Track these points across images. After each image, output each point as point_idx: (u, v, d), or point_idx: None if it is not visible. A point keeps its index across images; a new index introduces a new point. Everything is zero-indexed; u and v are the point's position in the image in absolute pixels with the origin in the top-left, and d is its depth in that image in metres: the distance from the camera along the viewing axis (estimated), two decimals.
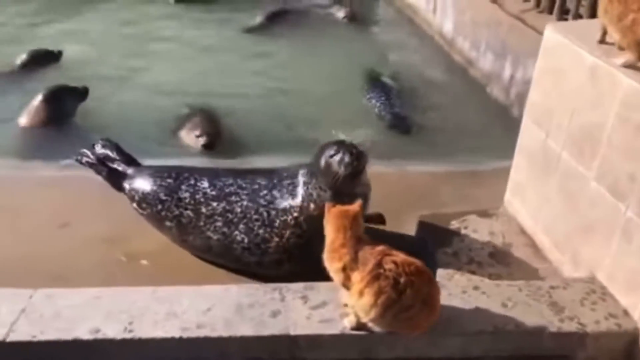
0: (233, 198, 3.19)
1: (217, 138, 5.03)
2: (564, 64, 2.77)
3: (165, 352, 2.39)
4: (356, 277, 2.30)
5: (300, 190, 3.05)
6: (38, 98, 5.12)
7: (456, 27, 6.82)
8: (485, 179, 4.27)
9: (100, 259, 3.38)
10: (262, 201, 3.11)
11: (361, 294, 2.28)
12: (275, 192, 3.09)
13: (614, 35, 2.53)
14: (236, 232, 3.16)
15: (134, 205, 3.47)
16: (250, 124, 5.36)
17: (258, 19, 8.44)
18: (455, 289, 2.64)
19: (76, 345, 2.34)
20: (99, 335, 2.35)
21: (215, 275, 3.24)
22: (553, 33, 2.83)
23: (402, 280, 2.23)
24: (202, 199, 3.25)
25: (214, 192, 3.25)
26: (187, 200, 3.28)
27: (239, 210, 3.16)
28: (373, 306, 2.27)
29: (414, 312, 2.26)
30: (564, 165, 2.84)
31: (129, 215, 3.62)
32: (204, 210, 3.23)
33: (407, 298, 2.23)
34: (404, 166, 4.53)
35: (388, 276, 2.25)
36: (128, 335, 2.35)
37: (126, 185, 3.51)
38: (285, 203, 3.06)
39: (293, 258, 3.09)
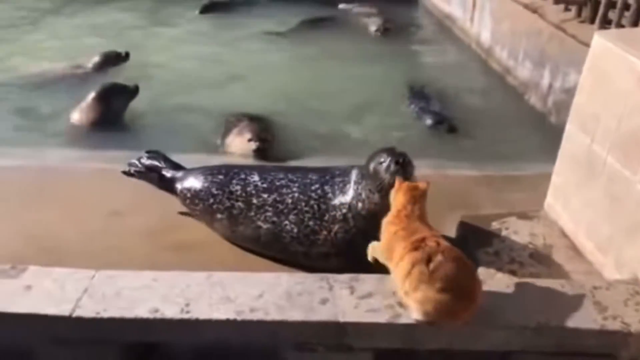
0: (284, 190, 3.33)
1: (270, 144, 4.94)
2: (612, 70, 2.83)
3: (219, 334, 2.51)
4: (401, 245, 2.48)
5: (350, 189, 3.16)
6: (90, 96, 5.36)
7: (494, 36, 6.88)
8: (522, 184, 4.32)
9: (147, 247, 3.54)
10: (313, 195, 3.23)
11: (401, 258, 2.45)
12: (326, 187, 3.21)
13: None
14: (286, 222, 3.29)
15: (187, 202, 3.65)
16: (295, 129, 5.48)
17: (294, 22, 8.65)
18: (498, 285, 2.71)
19: (137, 322, 2.47)
20: (158, 315, 2.49)
21: (260, 267, 3.36)
22: (602, 40, 2.89)
23: (436, 258, 2.37)
24: (253, 191, 3.40)
25: (264, 185, 3.40)
26: (238, 193, 3.44)
27: (289, 201, 3.30)
28: (407, 276, 2.40)
29: (448, 298, 2.33)
30: (609, 170, 2.89)
31: (176, 208, 3.80)
32: (254, 201, 3.38)
33: (438, 278, 2.33)
34: (443, 168, 4.61)
35: (425, 251, 2.40)
36: (185, 316, 2.48)
37: (178, 186, 3.72)
38: (335, 199, 3.18)
39: (340, 253, 3.20)
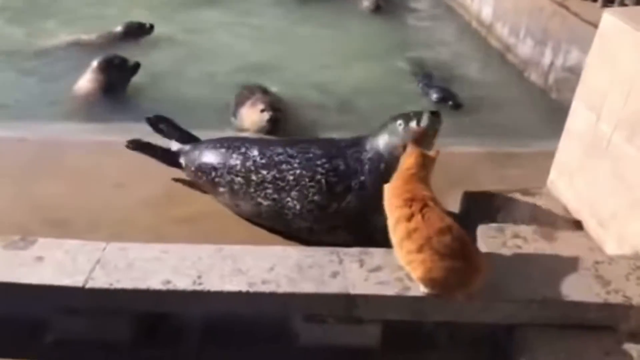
0: (283, 167, 3.33)
1: (283, 114, 4.93)
2: (621, 48, 2.84)
3: (231, 305, 2.55)
4: (394, 202, 2.57)
5: (367, 156, 3.21)
6: (89, 67, 5.31)
7: (495, 12, 6.86)
8: (523, 160, 4.36)
9: (152, 219, 3.55)
10: (319, 169, 3.24)
11: (392, 214, 2.56)
12: (337, 160, 3.22)
13: None
14: (288, 199, 3.30)
15: (192, 175, 3.69)
16: (300, 105, 5.46)
17: None
18: (503, 260, 2.76)
19: (149, 294, 2.50)
20: (170, 286, 2.52)
21: (267, 240, 3.39)
22: (612, 18, 2.90)
23: (416, 218, 2.45)
24: (252, 167, 3.42)
25: (263, 161, 3.40)
26: (237, 168, 3.46)
27: (291, 178, 3.30)
28: (393, 232, 2.51)
29: (450, 263, 2.37)
30: (615, 147, 2.93)
31: (176, 175, 3.82)
32: (254, 177, 3.40)
33: (441, 248, 2.37)
34: (444, 145, 4.60)
35: (410, 210, 2.48)
36: (198, 287, 2.51)
37: (182, 161, 3.76)
38: (350, 169, 3.21)
39: (349, 225, 3.24)
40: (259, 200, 3.39)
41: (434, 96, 5.58)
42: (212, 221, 3.57)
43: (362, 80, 6.03)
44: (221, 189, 3.55)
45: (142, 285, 2.51)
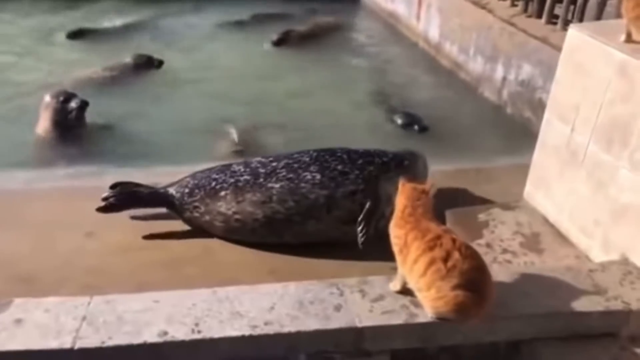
0: (295, 155, 3.58)
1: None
2: (590, 61, 2.95)
3: (235, 351, 2.42)
4: (414, 245, 2.45)
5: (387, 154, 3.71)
6: (45, 101, 5.07)
7: (442, 32, 7.05)
8: (492, 175, 4.46)
9: (129, 266, 3.37)
10: (339, 150, 3.60)
11: (415, 261, 2.43)
12: (352, 154, 3.60)
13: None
14: (305, 173, 3.46)
15: (185, 198, 3.63)
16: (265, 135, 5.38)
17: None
18: (499, 276, 2.76)
19: (146, 348, 2.34)
20: (168, 338, 2.36)
21: (255, 277, 3.26)
22: (578, 33, 3.02)
23: (454, 256, 2.36)
24: (258, 165, 3.60)
25: (270, 158, 3.63)
26: (242, 170, 3.60)
27: (307, 159, 3.53)
28: (422, 275, 2.40)
29: (462, 295, 2.36)
30: (592, 157, 3.02)
31: (151, 224, 3.66)
32: (262, 170, 3.55)
33: (454, 276, 2.34)
34: None
35: (442, 249, 2.39)
36: (198, 336, 2.37)
37: (172, 191, 3.71)
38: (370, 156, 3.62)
39: (367, 189, 3.48)
40: (270, 185, 3.48)
41: (399, 121, 5.63)
42: (191, 264, 3.43)
43: (319, 110, 5.98)
44: (222, 193, 3.54)
45: (137, 340, 2.34)
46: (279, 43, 7.78)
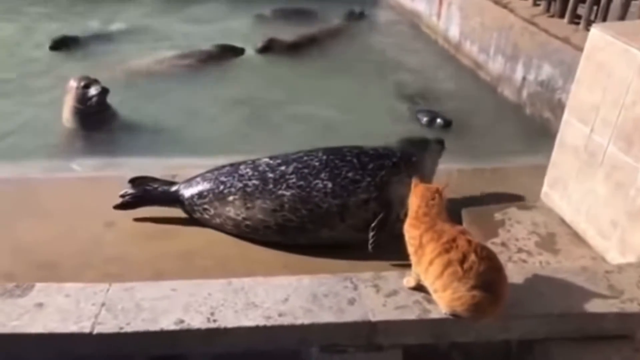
0: (305, 158, 3.48)
1: None
2: (612, 62, 2.93)
3: (249, 341, 2.46)
4: (430, 246, 2.45)
5: (396, 154, 3.60)
6: (68, 85, 5.16)
7: (463, 31, 7.02)
8: (509, 175, 4.44)
9: (147, 255, 3.42)
10: (347, 152, 3.48)
11: (431, 263, 2.44)
12: (365, 149, 3.55)
13: None
14: (317, 181, 3.39)
15: (194, 199, 3.64)
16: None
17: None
18: (514, 275, 2.76)
19: (163, 335, 2.38)
20: (184, 326, 2.41)
21: (271, 270, 3.30)
22: (600, 32, 2.99)
23: (470, 258, 2.36)
24: (266, 168, 3.51)
25: (279, 160, 3.53)
26: (249, 174, 3.53)
27: (317, 163, 3.44)
28: (439, 277, 2.40)
29: (477, 294, 2.36)
30: (611, 158, 3.00)
31: (170, 214, 3.71)
32: (270, 175, 3.47)
33: (471, 277, 2.35)
34: None
35: (459, 251, 2.39)
36: (213, 325, 2.41)
37: (182, 191, 3.71)
38: (379, 152, 3.56)
39: (380, 196, 3.43)
40: (281, 192, 3.42)
41: (424, 120, 5.65)
42: (206, 256, 3.47)
43: (342, 107, 6.02)
44: (231, 198, 3.52)
45: (153, 327, 2.39)
46: (263, 50, 7.62)
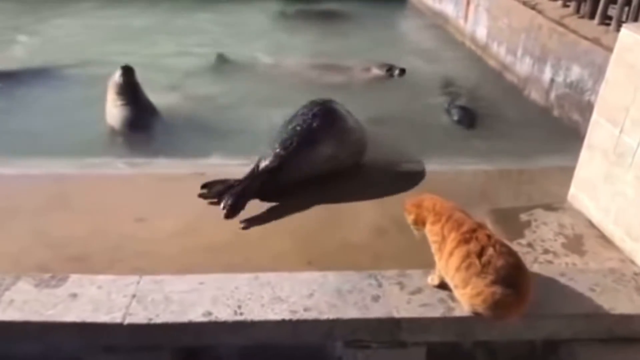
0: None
1: None
2: None
3: (274, 334, 2.51)
4: (451, 236, 2.48)
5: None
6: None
7: (490, 33, 6.98)
8: (535, 177, 4.40)
9: (176, 250, 3.48)
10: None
11: (451, 254, 2.46)
12: None
13: None
14: None
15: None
16: None
17: None
18: (541, 275, 2.76)
19: (191, 327, 2.46)
20: (212, 318, 2.47)
21: (292, 265, 3.34)
22: (631, 33, 2.96)
23: (489, 251, 2.37)
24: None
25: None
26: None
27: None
28: (457, 269, 2.42)
29: (499, 291, 2.36)
30: None
31: (200, 211, 3.78)
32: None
33: (489, 272, 2.35)
34: (457, 164, 4.67)
35: (478, 243, 2.41)
36: (240, 318, 2.47)
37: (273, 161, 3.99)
38: None
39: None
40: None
41: (455, 117, 5.69)
42: (232, 251, 3.53)
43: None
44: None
45: (183, 318, 2.46)
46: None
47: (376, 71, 6.81)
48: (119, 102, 5.17)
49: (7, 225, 3.61)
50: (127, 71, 5.24)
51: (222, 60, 7.09)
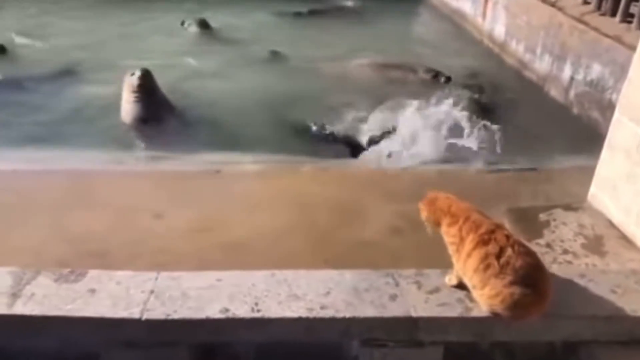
0: None
1: None
2: None
3: (290, 332, 2.50)
4: (469, 237, 2.45)
5: None
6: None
7: (509, 30, 6.92)
8: (554, 176, 4.37)
9: (193, 247, 3.51)
10: None
11: (469, 255, 2.42)
12: None
13: None
14: None
15: None
16: None
17: None
18: (560, 276, 2.71)
19: (208, 323, 2.46)
20: (229, 315, 2.47)
21: (309, 264, 3.35)
22: None
23: (507, 252, 2.34)
24: None
25: None
26: None
27: None
28: (476, 271, 2.39)
29: (518, 292, 2.33)
30: None
31: (216, 207, 3.80)
32: None
33: (508, 272, 2.32)
34: (475, 163, 4.64)
35: (496, 244, 2.37)
36: (257, 315, 2.47)
37: None
38: None
39: None
40: None
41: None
42: (249, 249, 3.55)
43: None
44: None
45: (200, 314, 2.46)
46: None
47: (423, 75, 6.82)
48: (133, 100, 5.23)
49: (28, 220, 3.67)
50: (145, 75, 5.35)
51: (275, 56, 7.13)
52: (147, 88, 5.35)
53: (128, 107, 5.29)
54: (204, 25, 8.41)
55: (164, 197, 3.89)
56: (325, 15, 9.14)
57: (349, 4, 9.67)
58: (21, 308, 2.46)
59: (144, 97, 5.27)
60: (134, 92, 5.27)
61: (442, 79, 6.67)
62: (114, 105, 5.52)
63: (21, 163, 4.35)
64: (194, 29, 8.39)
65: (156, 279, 2.68)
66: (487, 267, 2.37)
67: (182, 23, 8.52)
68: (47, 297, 2.53)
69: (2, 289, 2.55)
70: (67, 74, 6.84)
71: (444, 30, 8.62)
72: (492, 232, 2.44)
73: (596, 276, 2.70)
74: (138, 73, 5.34)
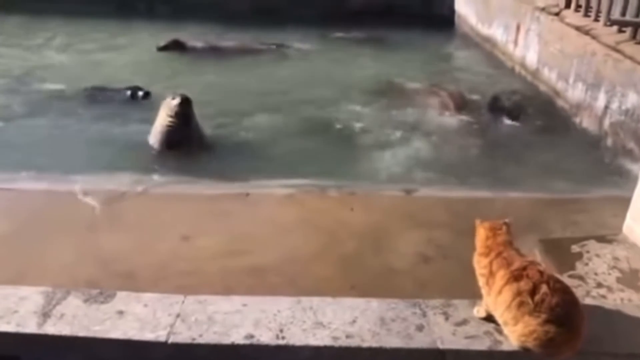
0: None
1: None
2: None
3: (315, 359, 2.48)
4: (500, 273, 2.40)
5: None
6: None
7: (541, 58, 6.86)
8: (588, 206, 4.26)
9: (219, 270, 3.52)
10: None
11: (500, 292, 2.37)
12: None
13: None
14: None
15: None
16: None
17: None
18: (594, 311, 2.63)
19: (233, 349, 2.45)
20: (254, 341, 2.46)
21: (335, 291, 3.33)
22: None
23: (542, 289, 2.28)
24: None
25: None
26: None
27: None
28: (508, 308, 2.33)
29: (553, 331, 2.27)
30: None
31: (243, 230, 3.81)
32: None
33: (543, 310, 2.26)
34: (505, 191, 4.57)
35: (529, 281, 2.31)
36: (282, 342, 2.46)
37: None
38: None
39: None
40: None
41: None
42: (276, 273, 3.53)
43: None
44: None
45: (225, 340, 2.47)
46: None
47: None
48: (168, 124, 5.35)
49: (58, 240, 3.73)
50: (185, 101, 5.48)
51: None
52: (185, 115, 5.47)
53: (161, 130, 5.39)
54: None
55: (192, 219, 3.93)
56: (352, 41, 9.25)
57: (376, 34, 9.75)
58: (51, 328, 2.51)
59: (179, 123, 5.38)
60: (171, 116, 5.38)
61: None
62: (148, 128, 5.66)
63: (52, 184, 4.46)
64: None
65: (183, 302, 2.70)
66: (521, 304, 2.31)
67: None
68: (76, 318, 2.57)
69: (33, 309, 2.61)
70: (99, 94, 7.03)
71: (474, 58, 8.61)
72: (524, 268, 2.39)
73: (631, 312, 2.62)
74: (178, 100, 5.45)
